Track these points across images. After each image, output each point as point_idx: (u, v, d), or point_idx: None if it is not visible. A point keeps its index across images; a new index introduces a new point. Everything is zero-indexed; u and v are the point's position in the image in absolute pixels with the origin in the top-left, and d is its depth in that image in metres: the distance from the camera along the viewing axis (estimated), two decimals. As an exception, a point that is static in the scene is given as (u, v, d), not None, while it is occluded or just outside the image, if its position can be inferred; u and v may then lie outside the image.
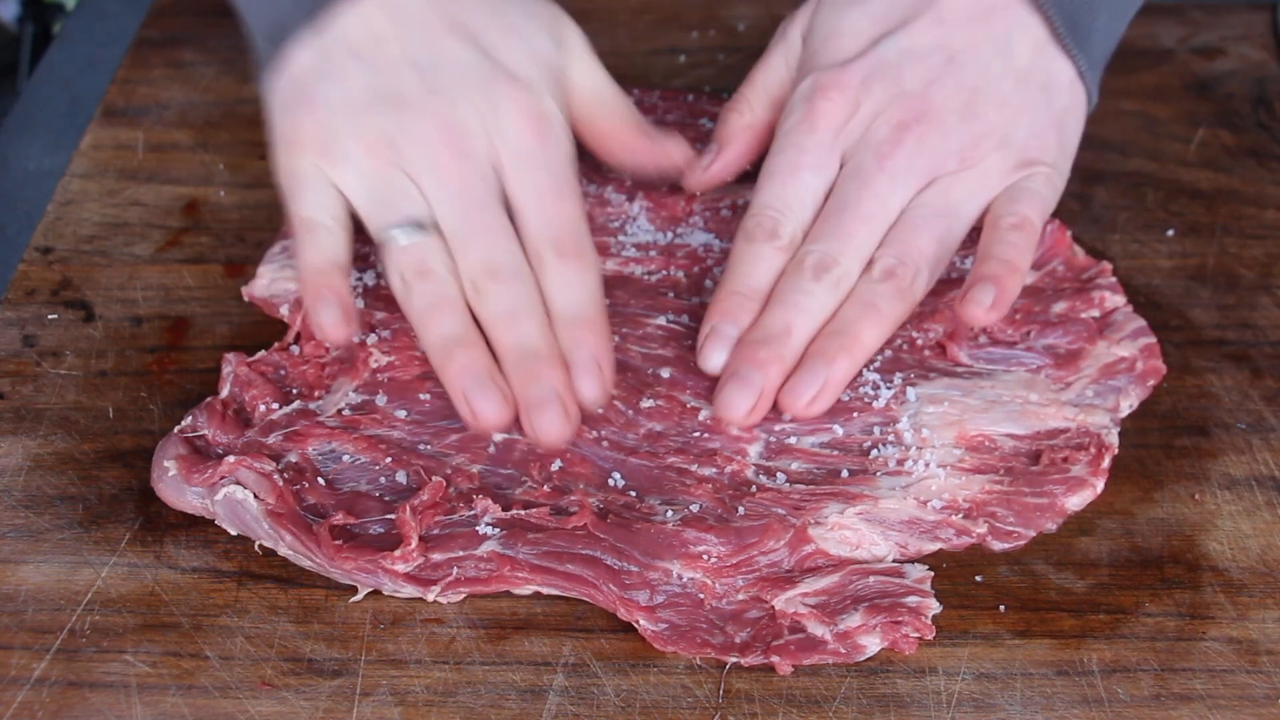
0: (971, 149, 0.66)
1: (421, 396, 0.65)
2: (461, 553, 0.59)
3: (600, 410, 0.64)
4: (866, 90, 0.67)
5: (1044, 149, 0.67)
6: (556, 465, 0.63)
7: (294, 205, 0.65)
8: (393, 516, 0.61)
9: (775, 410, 0.64)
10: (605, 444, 0.64)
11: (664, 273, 0.72)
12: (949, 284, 0.71)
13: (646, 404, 0.65)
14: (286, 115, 0.65)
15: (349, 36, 0.64)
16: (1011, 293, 0.64)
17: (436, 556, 0.59)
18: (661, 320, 0.69)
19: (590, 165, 0.75)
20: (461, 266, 0.62)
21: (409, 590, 0.59)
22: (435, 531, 0.60)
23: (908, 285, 0.64)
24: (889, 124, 0.66)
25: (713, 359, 0.64)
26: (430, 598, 0.59)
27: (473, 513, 0.61)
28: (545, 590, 0.59)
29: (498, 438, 0.64)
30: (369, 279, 0.71)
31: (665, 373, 0.67)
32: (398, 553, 0.59)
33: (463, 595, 0.59)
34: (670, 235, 0.74)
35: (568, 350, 0.62)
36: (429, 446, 0.64)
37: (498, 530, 0.60)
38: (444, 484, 0.61)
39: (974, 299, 0.63)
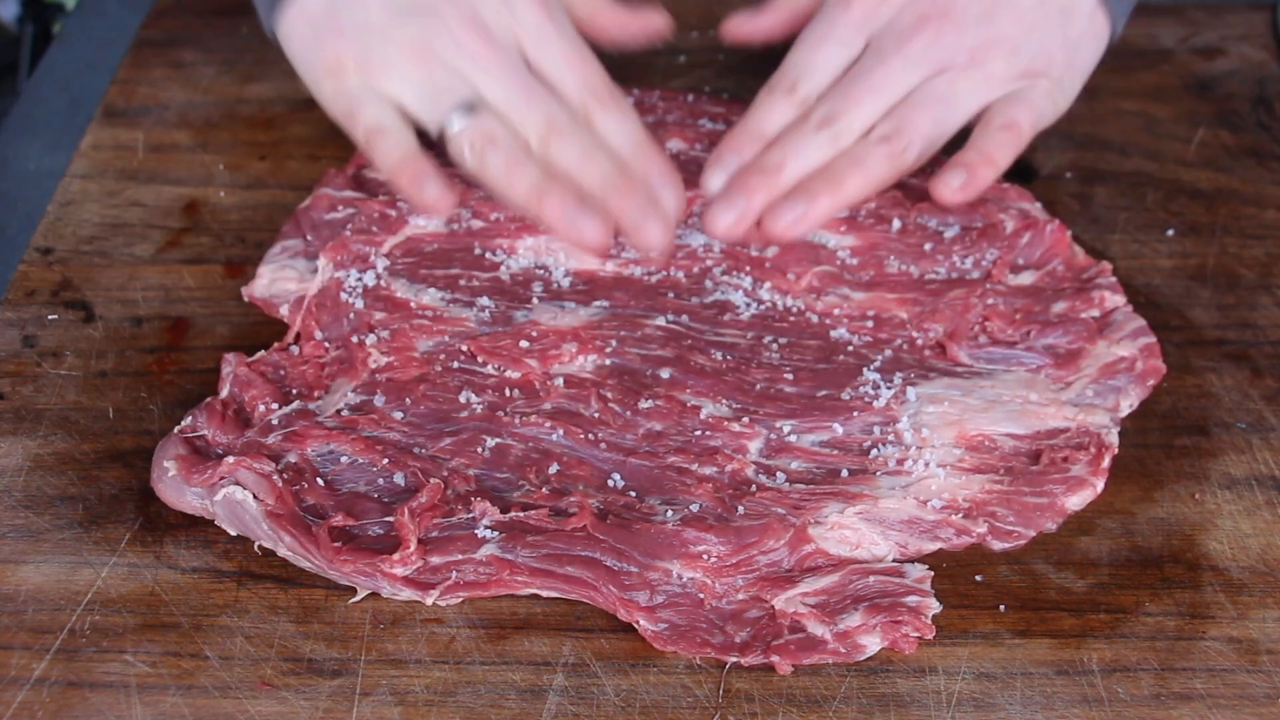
0: (982, 50, 0.71)
1: (408, 401, 0.66)
2: (460, 556, 0.59)
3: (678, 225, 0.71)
4: None
5: (1051, 64, 0.72)
6: (554, 469, 0.63)
7: (354, 122, 0.69)
8: (392, 519, 0.61)
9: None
10: (603, 445, 0.64)
11: (664, 273, 0.73)
12: (950, 284, 0.71)
13: (645, 405, 0.65)
14: (317, 47, 0.70)
15: None
16: (982, 182, 0.70)
17: (435, 560, 0.59)
18: (661, 320, 0.69)
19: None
20: (525, 130, 0.67)
21: (408, 593, 0.59)
22: (434, 534, 0.60)
23: (899, 152, 0.69)
24: (914, 14, 0.72)
25: (713, 181, 0.71)
26: (429, 601, 0.59)
27: (471, 515, 0.61)
28: (545, 593, 0.59)
29: (490, 441, 0.64)
30: (369, 279, 0.71)
31: (665, 373, 0.67)
32: (396, 556, 0.58)
33: (461, 599, 0.59)
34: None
35: (634, 183, 0.67)
36: (425, 449, 0.64)
37: (496, 533, 0.60)
38: (442, 486, 0.61)
39: (945, 180, 0.70)
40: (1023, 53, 0.72)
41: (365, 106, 0.69)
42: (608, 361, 0.67)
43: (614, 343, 0.68)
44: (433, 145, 0.68)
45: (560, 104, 0.68)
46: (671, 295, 0.71)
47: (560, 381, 0.66)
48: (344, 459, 0.63)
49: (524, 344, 0.67)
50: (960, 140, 0.71)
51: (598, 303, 0.71)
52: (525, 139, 0.67)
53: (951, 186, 0.70)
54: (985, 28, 0.71)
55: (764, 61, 0.87)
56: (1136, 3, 0.75)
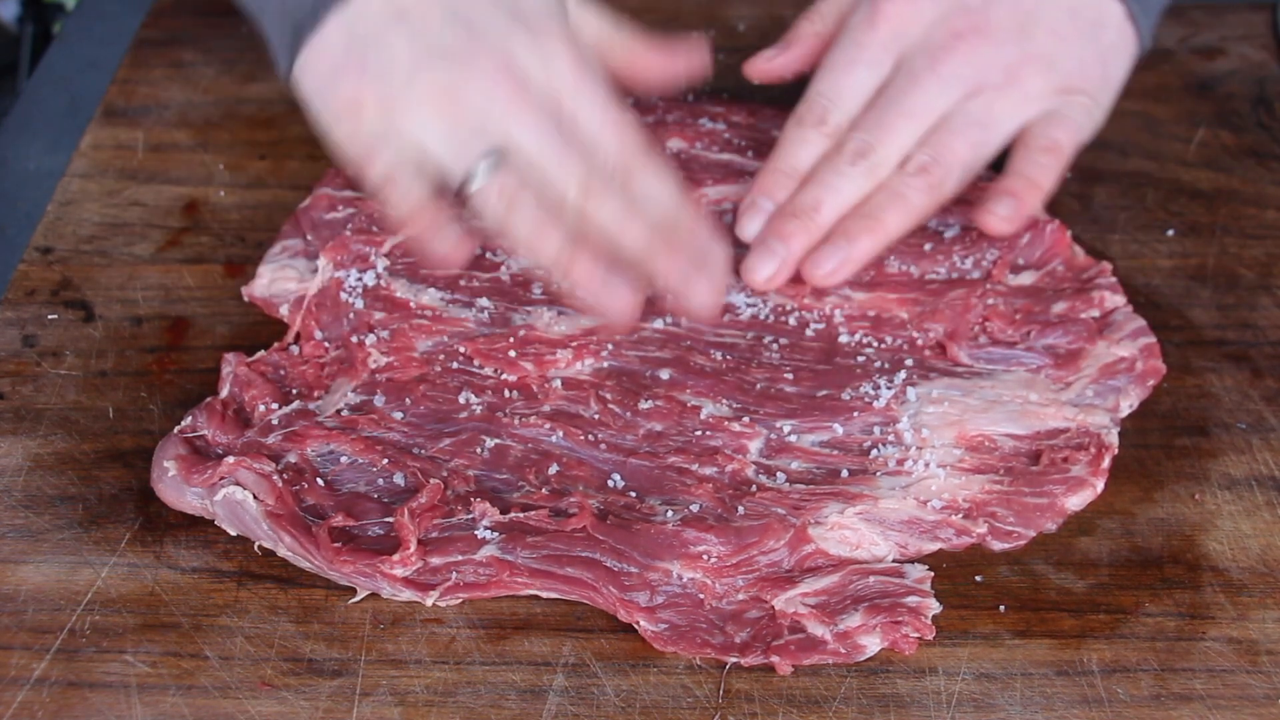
0: (1019, 67, 0.69)
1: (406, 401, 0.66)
2: (460, 557, 0.59)
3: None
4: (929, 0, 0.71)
5: (1087, 79, 0.71)
6: (554, 469, 0.63)
7: (370, 165, 0.65)
8: (392, 519, 0.61)
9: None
10: (603, 445, 0.64)
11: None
12: (950, 284, 0.71)
13: (645, 405, 0.65)
14: (339, 88, 0.66)
15: (378, 9, 0.65)
16: (1029, 208, 0.68)
17: (435, 560, 0.59)
18: (659, 324, 0.69)
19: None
20: (560, 184, 0.63)
21: (408, 594, 0.59)
22: (434, 534, 0.60)
23: (938, 182, 0.68)
24: (946, 32, 0.70)
25: (748, 228, 0.70)
26: (429, 603, 0.59)
27: (471, 516, 0.61)
28: (545, 594, 0.59)
29: (490, 442, 0.64)
30: (369, 279, 0.71)
31: (664, 374, 0.67)
32: (396, 557, 0.58)
33: (461, 599, 0.59)
34: None
35: (680, 243, 0.65)
36: (424, 449, 0.64)
37: (496, 534, 0.60)
38: (441, 486, 0.61)
39: (991, 208, 0.68)
40: (1058, 68, 0.70)
41: (383, 150, 0.64)
42: (606, 364, 0.67)
43: (610, 345, 0.68)
44: (449, 195, 0.65)
45: (596, 162, 0.64)
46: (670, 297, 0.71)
47: (558, 384, 0.66)
48: (344, 459, 0.63)
49: (516, 352, 0.67)
50: (998, 160, 0.71)
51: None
52: (558, 196, 0.63)
53: (998, 215, 0.68)
54: (1021, 43, 0.70)
55: (764, 61, 0.88)
56: (1161, 12, 0.75)
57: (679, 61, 0.72)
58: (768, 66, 0.77)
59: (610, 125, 0.65)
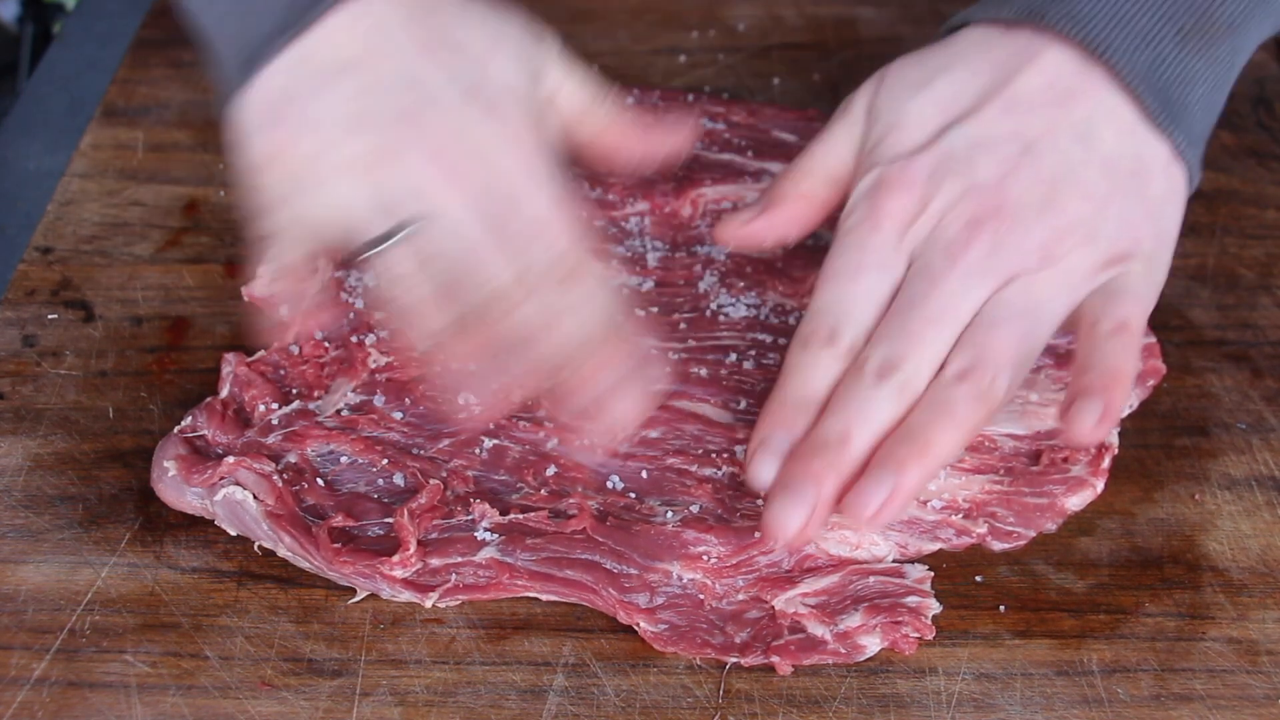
0: (1055, 244, 0.59)
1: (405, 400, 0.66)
2: (460, 559, 0.59)
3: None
4: (935, 185, 0.61)
5: (1137, 241, 0.61)
6: (551, 470, 0.63)
7: (267, 218, 0.61)
8: (392, 520, 0.61)
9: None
10: (601, 450, 0.64)
11: (662, 269, 0.72)
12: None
13: None
14: (272, 132, 0.60)
15: (331, 55, 0.60)
16: (1119, 404, 0.58)
17: (435, 562, 0.59)
18: (654, 336, 0.69)
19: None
20: (484, 270, 0.59)
21: (407, 596, 0.59)
22: (433, 535, 0.60)
23: (986, 387, 0.57)
24: (960, 220, 0.60)
25: (762, 473, 0.58)
26: (429, 604, 0.59)
27: (470, 517, 0.61)
28: (545, 596, 0.59)
29: (488, 443, 0.64)
30: (369, 279, 0.71)
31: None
32: (396, 558, 0.58)
33: (460, 601, 0.59)
34: (667, 247, 0.74)
35: (598, 369, 0.59)
36: (424, 450, 0.64)
37: (496, 535, 0.60)
38: (441, 487, 0.61)
39: (1078, 417, 0.57)
40: (1101, 235, 0.60)
41: (287, 206, 0.60)
42: None
43: None
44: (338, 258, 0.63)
45: (532, 256, 0.59)
46: (669, 299, 0.71)
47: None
48: (344, 459, 0.63)
49: None
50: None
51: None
52: (479, 280, 0.58)
53: (1089, 424, 0.57)
54: (1051, 217, 0.60)
55: (764, 62, 0.88)
56: (1208, 139, 0.64)
57: (661, 141, 0.66)
58: (743, 231, 0.66)
59: (555, 224, 0.59)
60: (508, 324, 0.58)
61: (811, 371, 0.59)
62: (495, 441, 0.64)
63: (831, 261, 0.62)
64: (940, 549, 0.62)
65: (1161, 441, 0.66)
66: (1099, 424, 0.57)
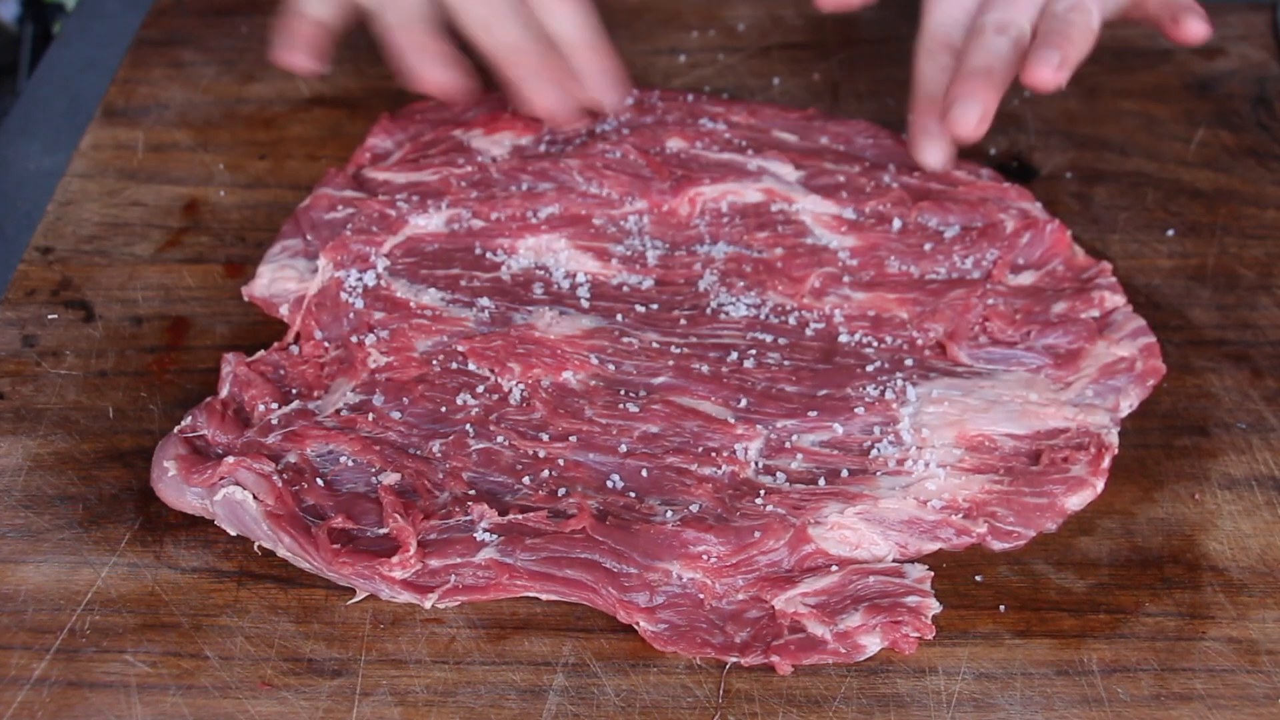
0: None
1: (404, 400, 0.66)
2: (459, 559, 0.59)
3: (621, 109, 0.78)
4: None
5: None
6: (546, 473, 0.63)
7: None
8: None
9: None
10: (599, 450, 0.64)
11: (663, 270, 0.72)
12: (950, 284, 0.71)
13: (634, 408, 0.65)
14: None
15: None
16: (1075, 58, 0.70)
17: (434, 563, 0.59)
18: (657, 335, 0.69)
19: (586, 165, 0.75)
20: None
21: (407, 596, 0.59)
22: (432, 536, 0.60)
23: (1086, 20, 0.71)
24: None
25: (929, 154, 0.74)
26: (428, 605, 0.59)
27: (469, 518, 0.61)
28: (545, 596, 0.59)
29: (478, 445, 0.64)
30: (369, 279, 0.71)
31: (659, 380, 0.67)
32: (395, 559, 0.58)
33: (460, 601, 0.59)
34: (667, 246, 0.74)
35: (579, 71, 0.75)
36: (422, 450, 0.64)
37: (495, 536, 0.60)
38: (430, 489, 0.61)
39: (1042, 59, 0.69)
40: None
41: None
42: (604, 368, 0.67)
43: (610, 349, 0.68)
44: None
45: None
46: (668, 297, 0.71)
47: (550, 385, 0.66)
48: (344, 459, 0.63)
49: (520, 350, 0.67)
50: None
51: (599, 303, 0.70)
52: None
53: (1051, 64, 0.69)
54: None
55: (764, 62, 0.88)
56: None
57: None
58: None
59: None
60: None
61: (939, 70, 0.74)
62: (495, 442, 0.64)
63: None
64: (940, 549, 0.62)
65: (1161, 441, 0.66)
66: (1059, 66, 0.69)
